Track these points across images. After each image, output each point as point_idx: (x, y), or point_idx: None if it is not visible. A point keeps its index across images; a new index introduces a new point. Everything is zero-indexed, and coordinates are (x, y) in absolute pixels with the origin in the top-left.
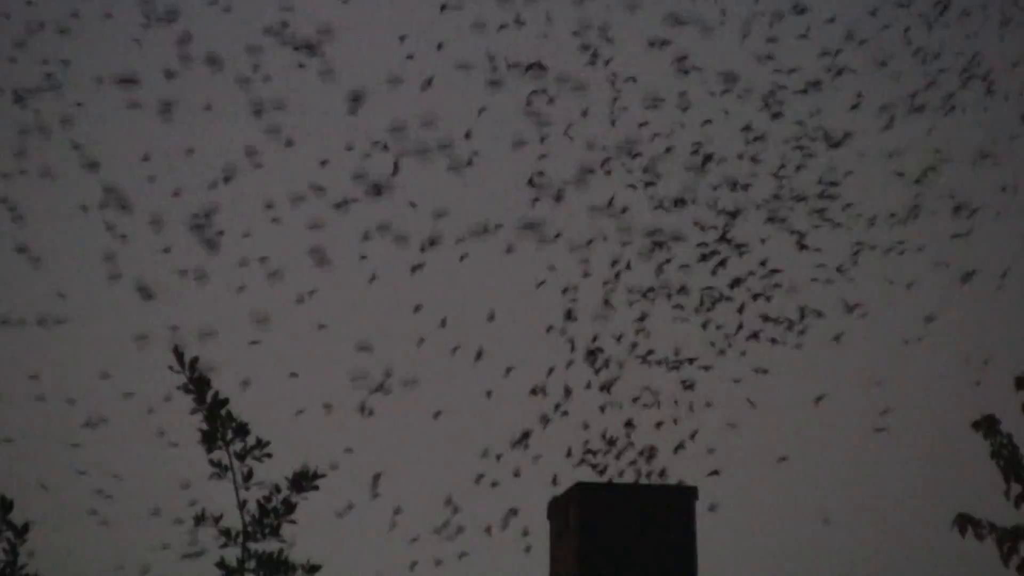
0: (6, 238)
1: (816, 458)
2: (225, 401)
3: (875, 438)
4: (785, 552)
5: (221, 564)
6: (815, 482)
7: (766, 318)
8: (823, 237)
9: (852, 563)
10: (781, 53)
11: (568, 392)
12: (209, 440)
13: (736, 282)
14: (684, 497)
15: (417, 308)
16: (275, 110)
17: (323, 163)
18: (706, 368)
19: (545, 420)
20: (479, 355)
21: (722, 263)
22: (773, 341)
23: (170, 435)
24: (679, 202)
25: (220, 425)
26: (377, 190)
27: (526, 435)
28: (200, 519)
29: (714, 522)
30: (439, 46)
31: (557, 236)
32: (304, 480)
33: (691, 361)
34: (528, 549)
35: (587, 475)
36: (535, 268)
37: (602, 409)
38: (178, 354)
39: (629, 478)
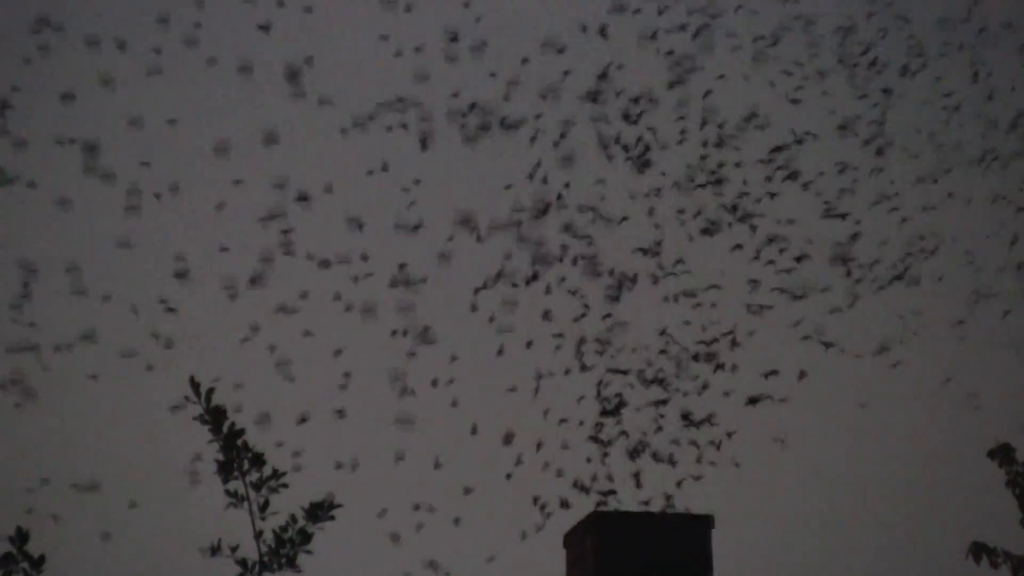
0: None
1: (829, 484)
2: (241, 431)
3: (888, 464)
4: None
5: None
6: (826, 510)
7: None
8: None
9: None
10: None
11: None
12: (225, 470)
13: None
14: (700, 525)
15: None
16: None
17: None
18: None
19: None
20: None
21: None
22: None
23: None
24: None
25: (236, 455)
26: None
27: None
28: (216, 549)
29: (729, 545)
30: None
31: None
32: (320, 510)
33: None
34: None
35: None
36: None
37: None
38: (194, 384)
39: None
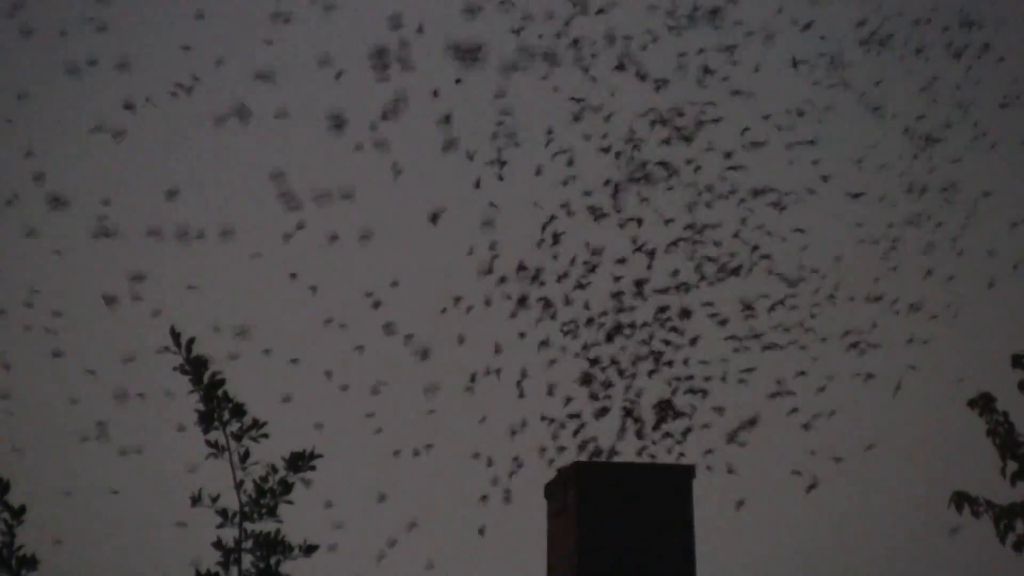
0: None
1: (807, 436)
2: (222, 382)
3: (869, 415)
4: (774, 526)
5: (218, 544)
6: (805, 461)
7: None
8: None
9: (845, 539)
10: None
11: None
12: (206, 420)
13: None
14: (681, 475)
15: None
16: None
17: None
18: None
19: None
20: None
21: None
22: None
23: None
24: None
25: (217, 405)
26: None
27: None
28: (197, 499)
29: (715, 494)
30: None
31: None
32: (300, 460)
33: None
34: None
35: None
36: None
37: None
38: (175, 335)
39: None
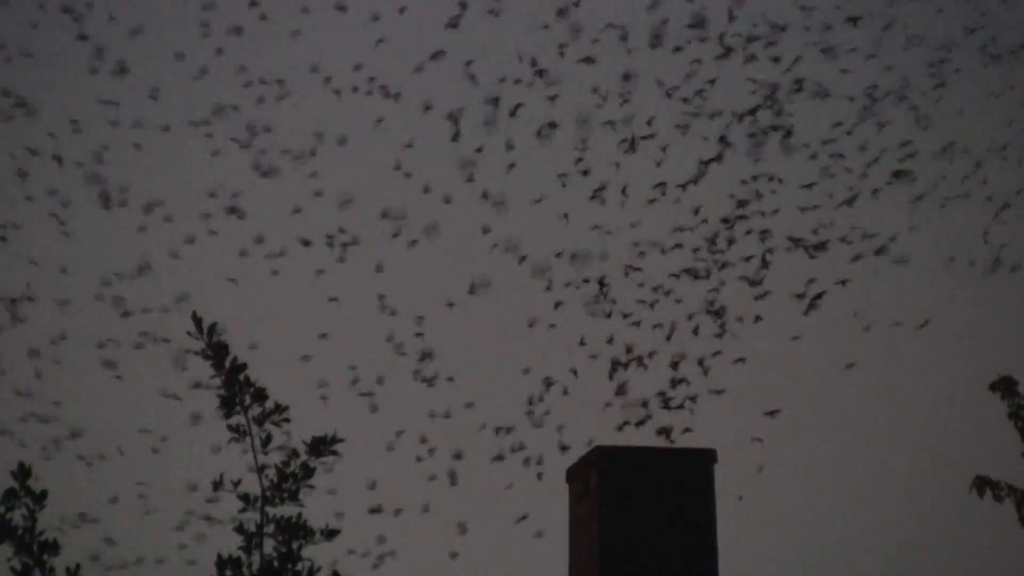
0: None
1: (830, 419)
2: (243, 366)
3: (891, 399)
4: (797, 514)
5: (240, 529)
6: (828, 444)
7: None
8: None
9: (868, 525)
10: None
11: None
12: (227, 405)
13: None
14: (702, 459)
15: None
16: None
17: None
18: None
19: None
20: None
21: None
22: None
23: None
24: None
25: (238, 390)
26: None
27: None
28: (219, 484)
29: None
30: None
31: None
32: (322, 445)
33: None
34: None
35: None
36: None
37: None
38: (196, 319)
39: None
